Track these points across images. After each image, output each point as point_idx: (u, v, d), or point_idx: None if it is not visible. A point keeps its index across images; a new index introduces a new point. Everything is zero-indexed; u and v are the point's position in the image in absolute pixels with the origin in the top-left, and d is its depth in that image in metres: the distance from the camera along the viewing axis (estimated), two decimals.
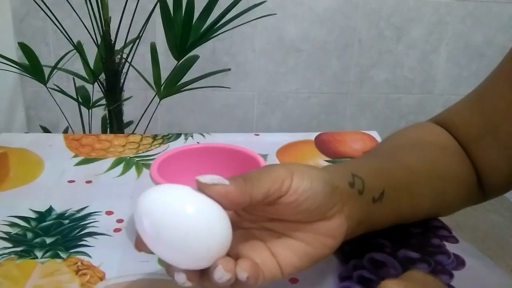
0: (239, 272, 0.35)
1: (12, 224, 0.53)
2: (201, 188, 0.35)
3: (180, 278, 0.35)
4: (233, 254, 0.37)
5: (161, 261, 0.47)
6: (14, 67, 1.34)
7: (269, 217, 0.40)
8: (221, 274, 0.34)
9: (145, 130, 1.44)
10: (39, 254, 0.48)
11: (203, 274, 0.36)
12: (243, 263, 0.36)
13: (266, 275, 0.38)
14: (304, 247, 0.39)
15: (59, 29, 1.29)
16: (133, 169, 0.65)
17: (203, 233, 0.34)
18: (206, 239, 0.34)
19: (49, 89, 1.39)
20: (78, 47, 1.37)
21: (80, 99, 1.44)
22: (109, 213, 0.55)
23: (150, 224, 0.34)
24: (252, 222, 0.41)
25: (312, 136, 0.76)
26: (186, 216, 0.34)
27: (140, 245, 0.37)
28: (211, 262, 0.35)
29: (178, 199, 0.35)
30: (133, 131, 1.44)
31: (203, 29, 1.31)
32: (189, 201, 0.35)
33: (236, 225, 0.39)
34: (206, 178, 0.35)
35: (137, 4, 1.32)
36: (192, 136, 0.75)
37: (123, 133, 1.39)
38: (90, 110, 1.46)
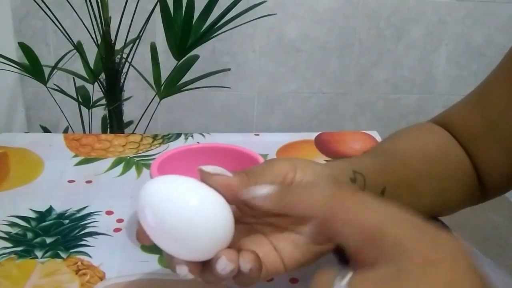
0: (242, 263, 0.35)
1: (12, 224, 0.53)
2: (204, 177, 0.35)
3: (182, 270, 0.35)
4: (235, 248, 0.37)
5: (161, 261, 0.47)
6: (14, 67, 1.34)
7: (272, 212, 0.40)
8: (224, 265, 0.34)
9: (145, 130, 1.44)
10: (39, 254, 0.48)
11: (204, 267, 0.36)
12: (246, 255, 0.36)
13: (269, 269, 0.38)
14: (307, 241, 0.39)
15: (59, 29, 1.29)
16: (133, 169, 0.65)
17: (205, 223, 0.34)
18: (209, 230, 0.34)
19: (49, 89, 1.39)
20: (78, 47, 1.37)
21: (80, 99, 1.44)
22: (109, 213, 0.55)
23: (153, 215, 0.34)
24: (255, 217, 0.41)
25: (312, 136, 0.76)
26: (189, 207, 0.34)
27: (141, 237, 0.37)
28: (213, 254, 0.35)
29: (181, 190, 0.34)
30: (133, 131, 1.44)
31: (203, 29, 1.31)
32: (192, 191, 0.34)
33: (238, 220, 0.39)
34: (209, 168, 0.35)
35: (137, 4, 1.32)
36: (192, 136, 0.75)
37: (123, 133, 1.39)
38: (90, 110, 1.46)
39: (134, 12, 1.28)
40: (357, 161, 0.47)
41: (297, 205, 0.36)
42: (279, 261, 0.38)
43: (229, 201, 0.35)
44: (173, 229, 0.33)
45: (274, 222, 0.40)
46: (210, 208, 0.34)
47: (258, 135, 0.77)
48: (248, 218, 0.41)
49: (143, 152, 0.70)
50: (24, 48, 1.35)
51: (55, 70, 1.37)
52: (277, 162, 0.38)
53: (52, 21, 1.28)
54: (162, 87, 1.38)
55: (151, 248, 0.48)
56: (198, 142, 0.73)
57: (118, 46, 1.33)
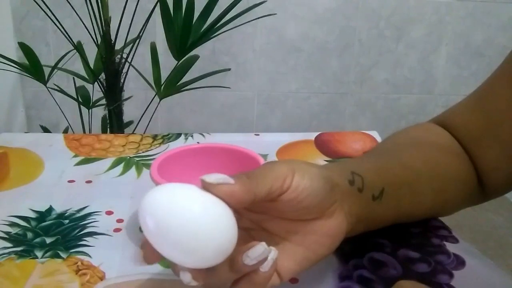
0: (272, 252, 0.35)
1: (12, 224, 0.53)
2: (207, 187, 0.35)
3: (186, 277, 0.35)
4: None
5: (161, 261, 0.47)
6: (14, 67, 1.34)
7: (269, 215, 0.40)
8: (261, 251, 0.34)
9: (145, 130, 1.44)
10: (39, 254, 0.48)
11: (208, 273, 0.35)
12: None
13: None
14: (303, 251, 0.39)
15: (59, 29, 1.29)
16: (133, 169, 0.65)
17: (210, 232, 0.33)
18: (213, 238, 0.33)
19: (49, 89, 1.39)
20: (78, 47, 1.38)
21: (80, 99, 1.44)
22: (109, 213, 0.55)
23: (156, 224, 0.34)
24: (252, 222, 0.41)
25: (312, 136, 0.76)
26: (193, 215, 0.33)
27: (149, 257, 0.36)
28: (218, 261, 0.34)
29: (184, 198, 0.34)
30: (133, 131, 1.44)
31: (203, 29, 1.31)
32: (195, 199, 0.34)
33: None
34: (212, 178, 0.35)
35: (137, 4, 1.32)
36: (192, 136, 0.75)
37: (123, 133, 1.39)
38: (90, 110, 1.46)
39: (134, 12, 1.28)
40: (356, 162, 0.47)
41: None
42: (275, 274, 0.38)
43: (232, 207, 0.35)
44: (177, 238, 0.33)
45: (271, 228, 0.40)
46: (214, 215, 0.34)
47: (258, 135, 0.77)
48: (246, 222, 0.40)
49: (143, 152, 0.70)
50: (24, 48, 1.35)
51: (55, 70, 1.37)
52: (277, 165, 0.38)
53: (52, 21, 1.28)
54: (162, 87, 1.38)
55: None
56: (198, 142, 0.73)
57: (118, 46, 1.33)
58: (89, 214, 0.55)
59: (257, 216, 0.40)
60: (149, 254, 0.36)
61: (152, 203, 0.34)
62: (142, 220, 0.34)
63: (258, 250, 0.34)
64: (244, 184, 0.35)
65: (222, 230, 0.34)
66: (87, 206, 0.56)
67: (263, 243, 0.34)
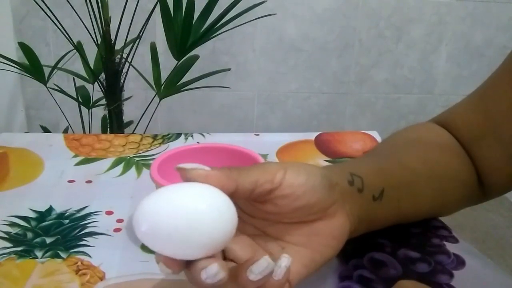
0: (283, 260, 0.35)
1: (12, 224, 0.53)
2: (182, 174, 0.35)
3: (213, 268, 0.33)
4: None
5: None
6: (14, 67, 1.34)
7: (272, 221, 0.40)
8: (265, 264, 0.34)
9: (145, 130, 1.44)
10: (39, 254, 0.48)
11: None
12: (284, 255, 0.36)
13: None
14: (310, 253, 0.39)
15: (59, 29, 1.29)
16: (133, 169, 0.65)
17: (206, 219, 0.33)
18: (212, 224, 0.33)
19: (49, 89, 1.39)
20: (78, 47, 1.38)
21: (80, 99, 1.44)
22: (109, 213, 0.55)
23: (151, 224, 0.33)
24: (257, 228, 0.40)
25: (312, 136, 0.76)
26: (188, 209, 0.33)
27: (169, 264, 0.34)
28: (222, 245, 0.34)
29: (175, 191, 0.34)
30: (133, 131, 1.44)
31: (203, 29, 1.31)
32: (186, 190, 0.34)
33: (240, 231, 0.38)
34: (187, 165, 0.35)
35: (137, 4, 1.32)
36: (192, 136, 0.75)
37: (123, 133, 1.39)
38: (90, 110, 1.46)
39: (134, 12, 1.28)
40: (355, 163, 0.47)
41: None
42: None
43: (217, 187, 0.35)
44: (178, 235, 0.33)
45: (275, 233, 0.40)
46: (209, 205, 0.34)
47: (258, 135, 0.77)
48: (250, 228, 0.40)
49: (143, 152, 0.70)
50: (24, 48, 1.35)
51: (55, 70, 1.37)
52: (267, 163, 0.38)
53: (52, 21, 1.28)
54: (162, 87, 1.38)
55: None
56: (198, 142, 0.73)
57: (118, 46, 1.33)
58: (89, 214, 0.55)
59: (260, 222, 0.40)
60: (168, 262, 0.34)
61: (144, 209, 0.34)
62: (137, 227, 0.34)
63: (262, 265, 0.33)
64: (222, 170, 0.35)
65: (218, 215, 0.33)
66: (87, 206, 0.56)
67: (266, 257, 0.34)
